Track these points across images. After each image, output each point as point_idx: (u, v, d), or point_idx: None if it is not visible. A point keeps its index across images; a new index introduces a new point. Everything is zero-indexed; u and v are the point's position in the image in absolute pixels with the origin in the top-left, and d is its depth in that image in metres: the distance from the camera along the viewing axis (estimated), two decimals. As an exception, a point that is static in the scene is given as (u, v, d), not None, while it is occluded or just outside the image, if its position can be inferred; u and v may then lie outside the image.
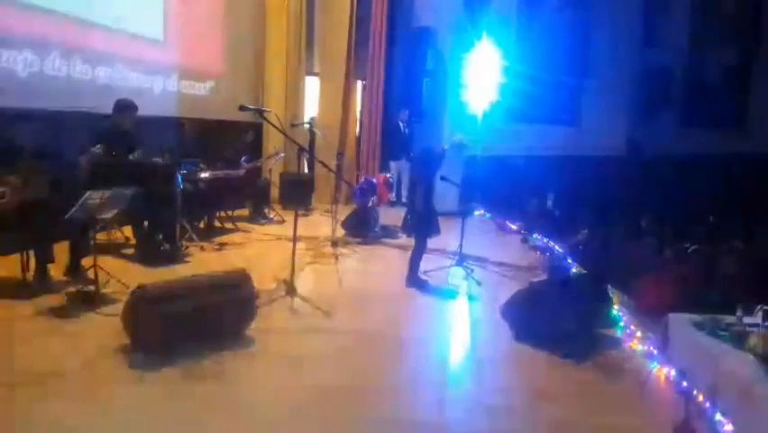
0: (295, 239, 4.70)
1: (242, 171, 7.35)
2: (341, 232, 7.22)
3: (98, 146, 5.05)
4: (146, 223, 5.70)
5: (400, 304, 5.06)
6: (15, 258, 4.59)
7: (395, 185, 9.61)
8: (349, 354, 3.89)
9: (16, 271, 4.57)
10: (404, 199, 8.99)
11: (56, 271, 4.69)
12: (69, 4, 6.19)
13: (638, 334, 4.25)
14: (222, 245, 6.46)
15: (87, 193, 4.12)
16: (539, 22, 11.79)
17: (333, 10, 9.92)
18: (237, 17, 9.22)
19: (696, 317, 3.74)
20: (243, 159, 7.69)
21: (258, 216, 8.09)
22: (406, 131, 9.64)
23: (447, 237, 6.36)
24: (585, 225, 7.15)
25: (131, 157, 5.24)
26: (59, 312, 4.14)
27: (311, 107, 10.22)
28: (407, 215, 5.79)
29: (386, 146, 10.31)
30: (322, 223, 7.63)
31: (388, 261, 6.46)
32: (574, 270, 6.00)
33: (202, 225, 6.99)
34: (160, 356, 3.47)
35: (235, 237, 6.98)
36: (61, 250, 4.74)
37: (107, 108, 5.51)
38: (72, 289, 4.53)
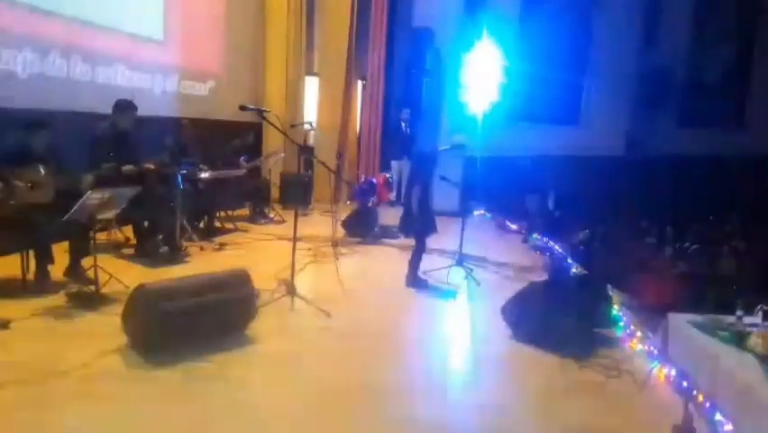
0: (295, 239, 4.70)
1: (242, 171, 7.36)
2: (341, 232, 7.22)
3: (110, 160, 5.07)
4: (146, 223, 5.70)
5: (400, 304, 5.06)
6: (15, 258, 4.59)
7: (395, 185, 9.61)
8: (349, 354, 3.89)
9: (16, 271, 4.57)
10: (402, 199, 9.00)
11: (56, 271, 4.68)
12: (69, 5, 6.19)
13: (638, 334, 4.25)
14: (222, 245, 6.45)
15: (87, 193, 4.12)
16: (539, 21, 11.79)
17: (333, 10, 9.93)
18: (237, 17, 9.22)
19: (696, 317, 3.74)
20: (243, 158, 7.69)
21: (258, 216, 8.09)
22: (408, 130, 9.65)
23: (447, 237, 6.37)
24: (585, 225, 7.16)
25: (124, 169, 5.25)
26: (59, 312, 4.14)
27: (311, 107, 10.22)
28: (404, 215, 5.80)
29: (386, 146, 10.31)
30: (322, 223, 7.62)
31: (388, 261, 6.46)
32: (574, 270, 6.00)
33: (202, 225, 6.99)
34: (160, 356, 3.48)
35: (235, 237, 6.99)
36: (61, 250, 4.74)
37: (107, 108, 5.51)
38: (72, 289, 4.53)
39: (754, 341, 3.25)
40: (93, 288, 4.39)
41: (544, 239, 7.49)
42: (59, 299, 4.38)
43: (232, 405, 3.11)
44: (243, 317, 3.96)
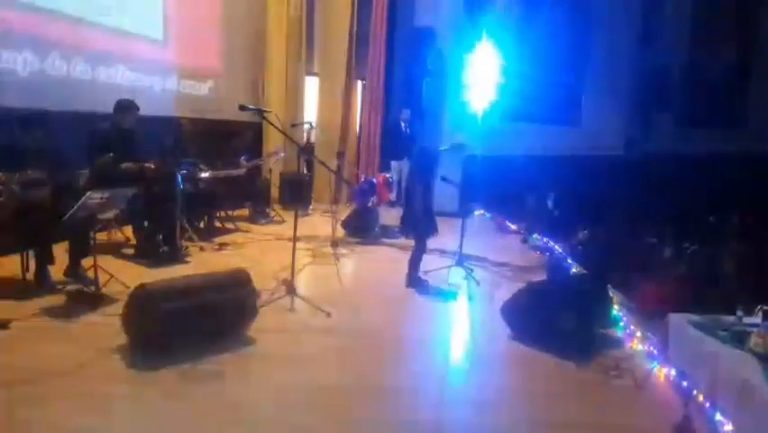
0: (295, 239, 4.70)
1: (242, 171, 7.36)
2: (341, 232, 7.23)
3: (109, 155, 5.06)
4: (146, 223, 5.71)
5: (400, 304, 5.06)
6: (15, 258, 4.59)
7: (395, 185, 9.62)
8: (349, 354, 3.89)
9: (16, 271, 4.58)
10: (403, 200, 9.00)
11: (56, 271, 4.69)
12: (69, 5, 6.19)
13: (638, 334, 4.25)
14: (222, 245, 6.46)
15: (87, 193, 4.12)
16: (539, 21, 11.78)
17: (333, 10, 9.93)
18: (237, 17, 9.23)
19: (696, 317, 3.74)
20: (243, 158, 7.69)
21: (258, 216, 8.10)
22: (408, 130, 9.65)
23: (447, 237, 6.37)
24: (585, 225, 7.15)
25: (123, 166, 5.27)
26: (59, 312, 4.14)
27: (311, 107, 10.23)
28: (404, 216, 5.80)
29: (386, 146, 10.31)
30: (322, 223, 7.63)
31: (388, 261, 6.46)
32: (574, 270, 6.00)
33: (202, 225, 6.99)
34: (160, 356, 3.47)
35: (235, 237, 6.99)
36: (61, 250, 4.75)
37: (107, 108, 5.51)
38: (72, 289, 4.54)
39: (754, 341, 3.25)
40: (93, 288, 4.39)
41: (544, 239, 7.49)
42: (59, 299, 4.38)
43: (232, 405, 3.11)
44: (243, 317, 3.95)
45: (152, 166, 5.56)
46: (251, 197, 8.19)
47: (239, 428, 2.93)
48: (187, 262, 5.67)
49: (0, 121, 4.96)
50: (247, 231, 7.41)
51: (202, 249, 6.20)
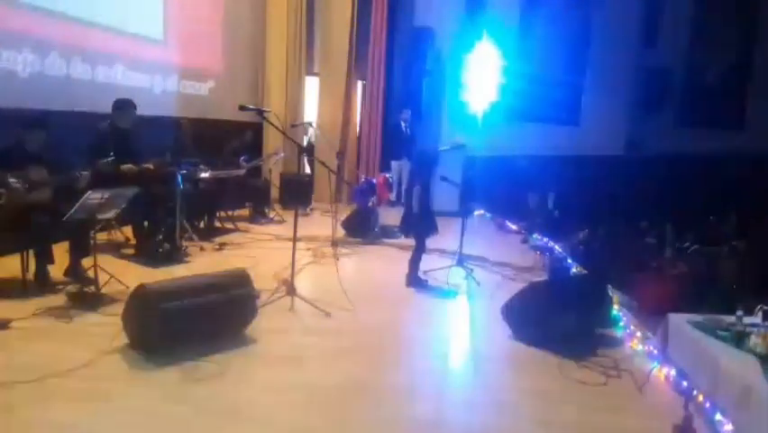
0: (295, 239, 4.70)
1: (242, 171, 7.36)
2: (341, 232, 7.22)
3: (109, 158, 5.05)
4: (146, 223, 5.71)
5: (400, 304, 5.06)
6: (15, 258, 4.59)
7: (395, 185, 9.62)
8: (349, 354, 3.89)
9: (16, 271, 4.58)
10: (403, 200, 9.00)
11: (56, 271, 4.69)
12: (69, 5, 6.19)
13: (638, 334, 4.26)
14: (222, 245, 6.46)
15: (87, 193, 4.12)
16: (539, 21, 11.79)
17: (333, 10, 9.94)
18: (237, 17, 9.23)
19: (696, 317, 3.74)
20: (243, 158, 7.69)
21: (258, 216, 8.10)
22: (408, 130, 9.66)
23: (447, 237, 6.36)
24: (585, 225, 7.15)
25: (124, 168, 5.27)
26: (59, 312, 4.14)
27: (311, 107, 10.23)
28: (405, 215, 5.80)
29: (386, 146, 10.32)
30: (322, 223, 7.63)
31: (388, 261, 6.46)
32: (574, 270, 6.00)
33: (202, 225, 6.99)
34: (160, 356, 3.48)
35: (235, 237, 6.99)
36: (61, 250, 4.75)
37: (107, 108, 5.51)
38: (72, 289, 4.54)
39: (754, 341, 3.26)
40: (93, 288, 4.39)
41: (544, 239, 7.49)
42: (59, 299, 4.39)
43: (231, 405, 3.11)
44: (243, 317, 3.96)
45: (151, 167, 5.56)
46: (251, 197, 8.19)
47: (239, 428, 2.93)
48: (187, 262, 5.67)
49: (0, 121, 4.96)
50: (247, 231, 7.41)
51: (202, 249, 6.20)
